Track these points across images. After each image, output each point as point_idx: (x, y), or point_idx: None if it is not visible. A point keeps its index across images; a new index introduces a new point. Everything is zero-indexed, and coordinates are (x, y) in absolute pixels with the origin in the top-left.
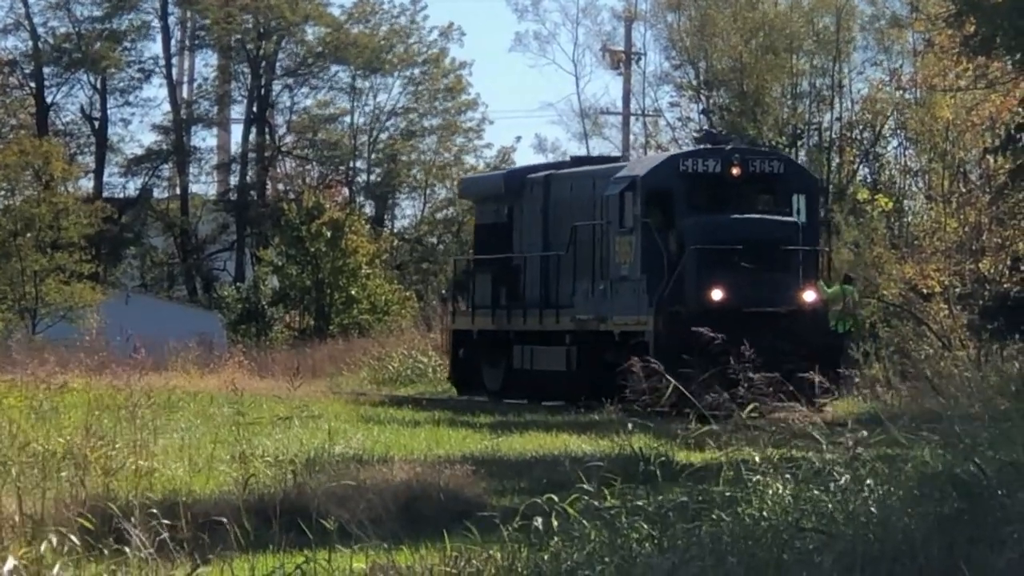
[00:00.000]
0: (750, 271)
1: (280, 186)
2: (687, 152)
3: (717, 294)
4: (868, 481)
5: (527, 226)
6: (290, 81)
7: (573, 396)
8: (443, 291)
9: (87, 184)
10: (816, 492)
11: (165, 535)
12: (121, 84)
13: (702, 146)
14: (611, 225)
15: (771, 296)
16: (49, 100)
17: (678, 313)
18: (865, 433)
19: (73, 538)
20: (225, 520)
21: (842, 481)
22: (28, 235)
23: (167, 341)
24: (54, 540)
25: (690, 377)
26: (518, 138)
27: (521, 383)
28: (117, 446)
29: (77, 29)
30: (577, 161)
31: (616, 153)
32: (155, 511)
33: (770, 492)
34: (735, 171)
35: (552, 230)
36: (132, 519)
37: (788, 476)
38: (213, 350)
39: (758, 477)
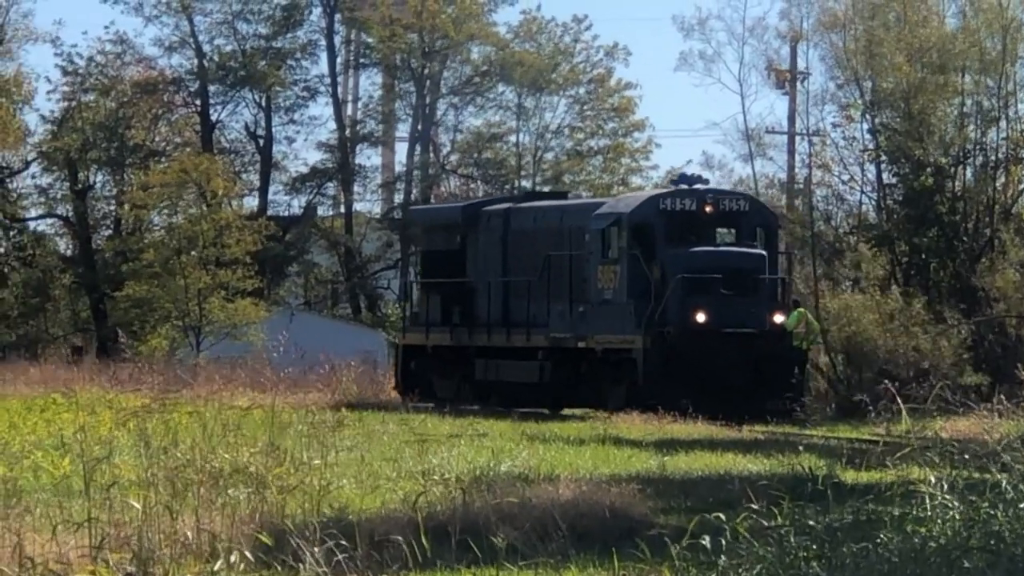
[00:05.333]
0: (728, 296)
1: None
2: (666, 192)
3: (700, 317)
4: None
5: (484, 253)
6: (455, 100)
7: (544, 403)
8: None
9: (252, 202)
10: (988, 511)
11: (340, 557)
12: (286, 102)
13: (678, 186)
14: (592, 255)
15: (746, 318)
16: (214, 118)
17: (667, 333)
18: None
19: (248, 555)
20: (397, 538)
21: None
22: (192, 253)
23: (331, 359)
24: (232, 557)
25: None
26: (689, 160)
27: (484, 392)
28: (287, 463)
29: (242, 47)
30: (528, 196)
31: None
32: (330, 530)
33: (940, 511)
34: (708, 209)
35: (512, 257)
36: (306, 537)
37: (958, 495)
38: (377, 369)
39: (929, 495)
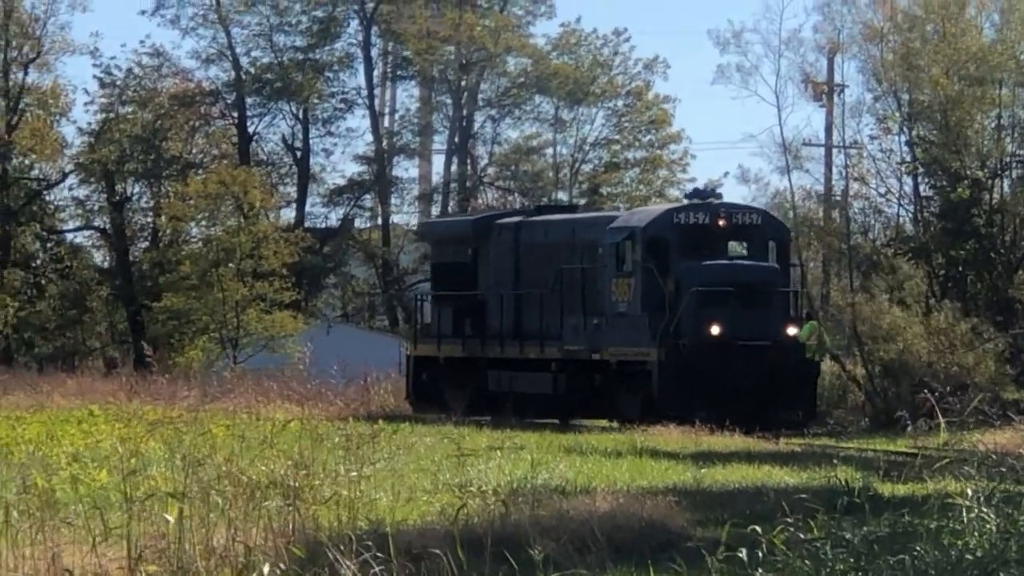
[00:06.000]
0: (741, 309)
1: None
2: (680, 206)
3: (715, 329)
4: None
5: (495, 266)
6: (492, 112)
7: (557, 414)
8: None
9: (289, 214)
10: None
11: (376, 569)
12: (323, 115)
13: (692, 201)
14: (607, 268)
15: (759, 331)
16: (251, 130)
17: (682, 345)
18: None
19: (282, 567)
20: (435, 551)
21: None
22: (229, 265)
23: (370, 370)
24: (265, 569)
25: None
26: (726, 173)
27: (497, 404)
28: (322, 476)
29: (279, 60)
30: (540, 209)
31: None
32: (366, 542)
33: (976, 524)
34: (721, 223)
35: (524, 270)
36: (342, 549)
37: (995, 507)
38: None
39: (965, 508)
